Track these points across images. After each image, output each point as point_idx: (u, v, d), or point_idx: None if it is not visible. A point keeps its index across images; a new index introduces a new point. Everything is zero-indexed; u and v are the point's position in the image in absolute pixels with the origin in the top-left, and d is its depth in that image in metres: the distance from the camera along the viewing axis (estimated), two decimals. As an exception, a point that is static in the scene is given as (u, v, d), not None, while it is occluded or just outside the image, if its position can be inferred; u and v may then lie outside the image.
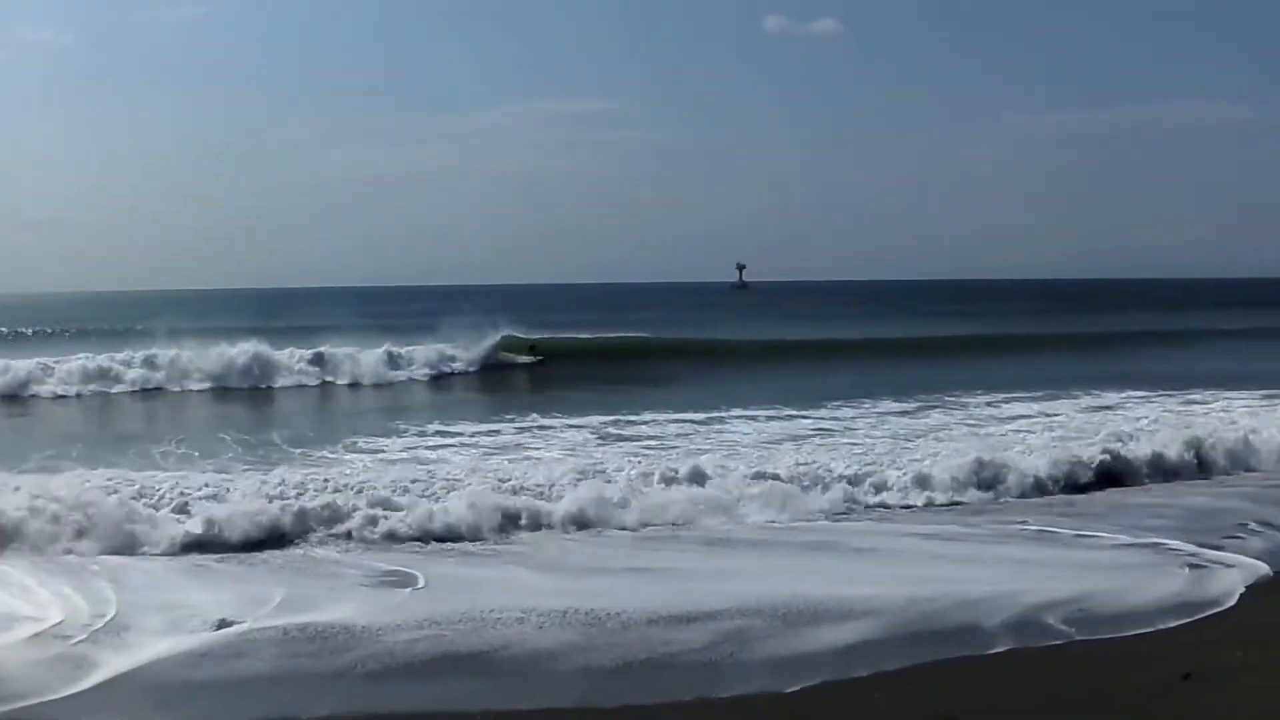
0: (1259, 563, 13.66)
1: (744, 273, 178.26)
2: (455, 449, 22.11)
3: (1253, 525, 15.70)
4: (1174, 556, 14.18)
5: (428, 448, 22.25)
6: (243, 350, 37.53)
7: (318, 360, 38.55)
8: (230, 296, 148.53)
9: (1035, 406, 27.81)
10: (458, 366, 40.82)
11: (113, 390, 35.70)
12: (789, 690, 9.75)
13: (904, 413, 27.25)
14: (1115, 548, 14.78)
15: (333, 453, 21.22)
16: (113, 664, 10.31)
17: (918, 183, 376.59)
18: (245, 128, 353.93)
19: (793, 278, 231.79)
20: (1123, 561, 14.09)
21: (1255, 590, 12.64)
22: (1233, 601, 12.24)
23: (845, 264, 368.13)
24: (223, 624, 11.42)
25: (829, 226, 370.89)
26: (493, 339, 42.65)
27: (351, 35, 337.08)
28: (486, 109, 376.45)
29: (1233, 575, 13.17)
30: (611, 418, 25.70)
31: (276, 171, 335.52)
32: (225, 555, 14.43)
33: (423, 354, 40.77)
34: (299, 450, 21.31)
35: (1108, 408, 27.64)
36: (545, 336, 46.93)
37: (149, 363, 37.05)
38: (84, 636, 11.06)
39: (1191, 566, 13.64)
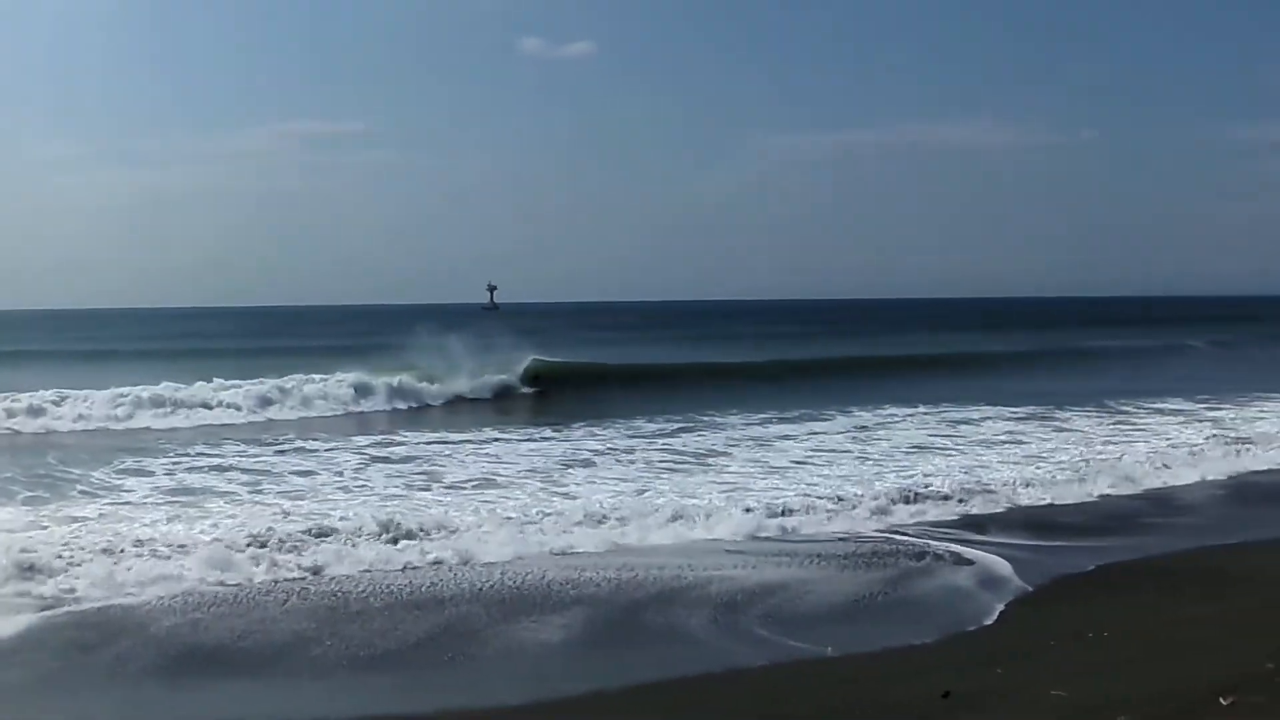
0: (1015, 578, 14.03)
1: (495, 294, 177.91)
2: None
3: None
4: (933, 573, 14.56)
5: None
6: None
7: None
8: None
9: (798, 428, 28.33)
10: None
11: None
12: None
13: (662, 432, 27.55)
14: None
15: None
16: None
17: (671, 204, 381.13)
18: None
19: (547, 299, 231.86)
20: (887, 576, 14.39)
21: (1014, 608, 12.93)
22: (991, 619, 12.51)
23: (600, 285, 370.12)
24: None
25: (584, 248, 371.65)
26: None
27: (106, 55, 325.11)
28: (237, 130, 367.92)
29: (993, 593, 13.52)
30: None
31: (34, 192, 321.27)
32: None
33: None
34: None
35: (865, 427, 28.44)
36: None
37: None
38: None
39: (957, 580, 14.09)
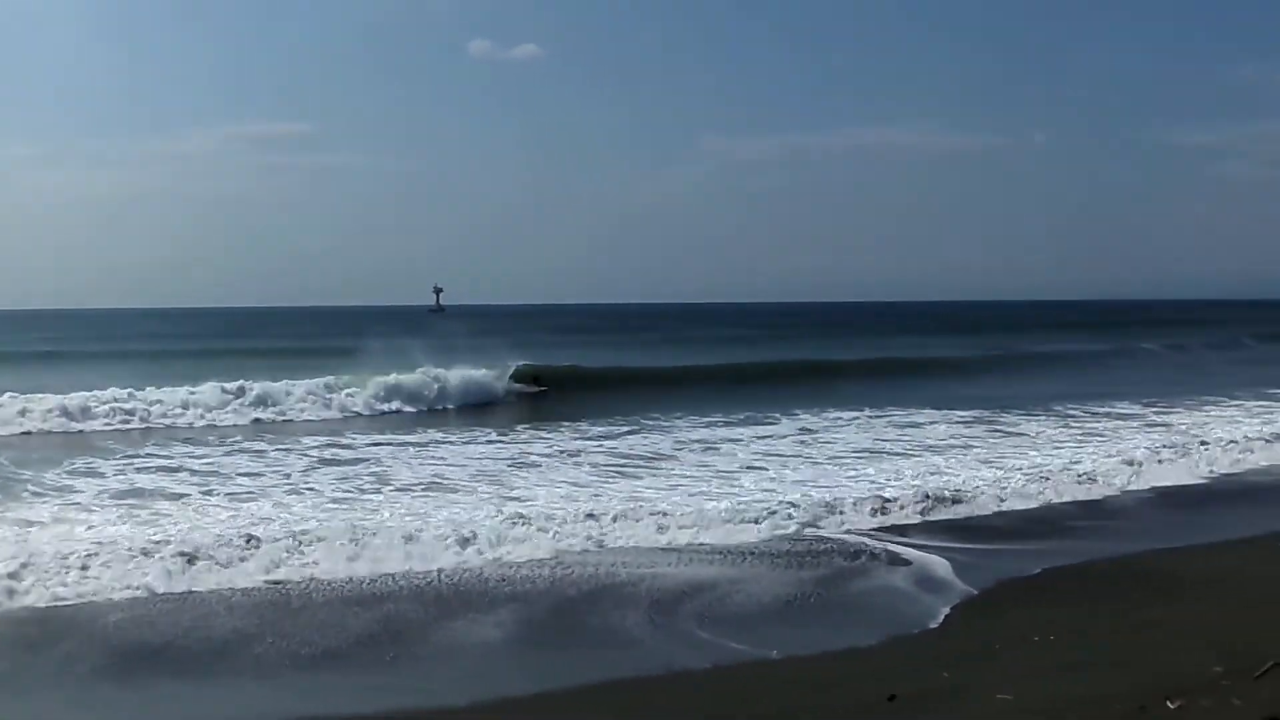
0: (959, 582, 14.00)
1: (441, 296, 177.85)
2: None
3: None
4: (877, 576, 14.53)
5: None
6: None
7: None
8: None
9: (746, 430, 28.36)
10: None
11: None
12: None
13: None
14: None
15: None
16: None
17: (619, 206, 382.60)
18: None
19: (493, 301, 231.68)
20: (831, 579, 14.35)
21: (959, 611, 12.88)
22: (937, 622, 12.46)
23: (548, 288, 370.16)
24: None
25: (532, 250, 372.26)
26: None
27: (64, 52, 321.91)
28: (186, 132, 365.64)
29: (937, 595, 13.48)
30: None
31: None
32: None
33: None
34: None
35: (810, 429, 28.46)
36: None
37: None
38: None
39: (901, 583, 14.05)
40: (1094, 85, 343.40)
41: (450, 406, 37.04)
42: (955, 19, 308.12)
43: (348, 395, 35.66)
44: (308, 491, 19.91)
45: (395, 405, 36.15)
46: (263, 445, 25.88)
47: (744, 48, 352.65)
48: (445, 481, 20.97)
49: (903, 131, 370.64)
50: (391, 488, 20.23)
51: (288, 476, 21.56)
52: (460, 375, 38.69)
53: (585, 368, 46.45)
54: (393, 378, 37.23)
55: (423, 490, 20.04)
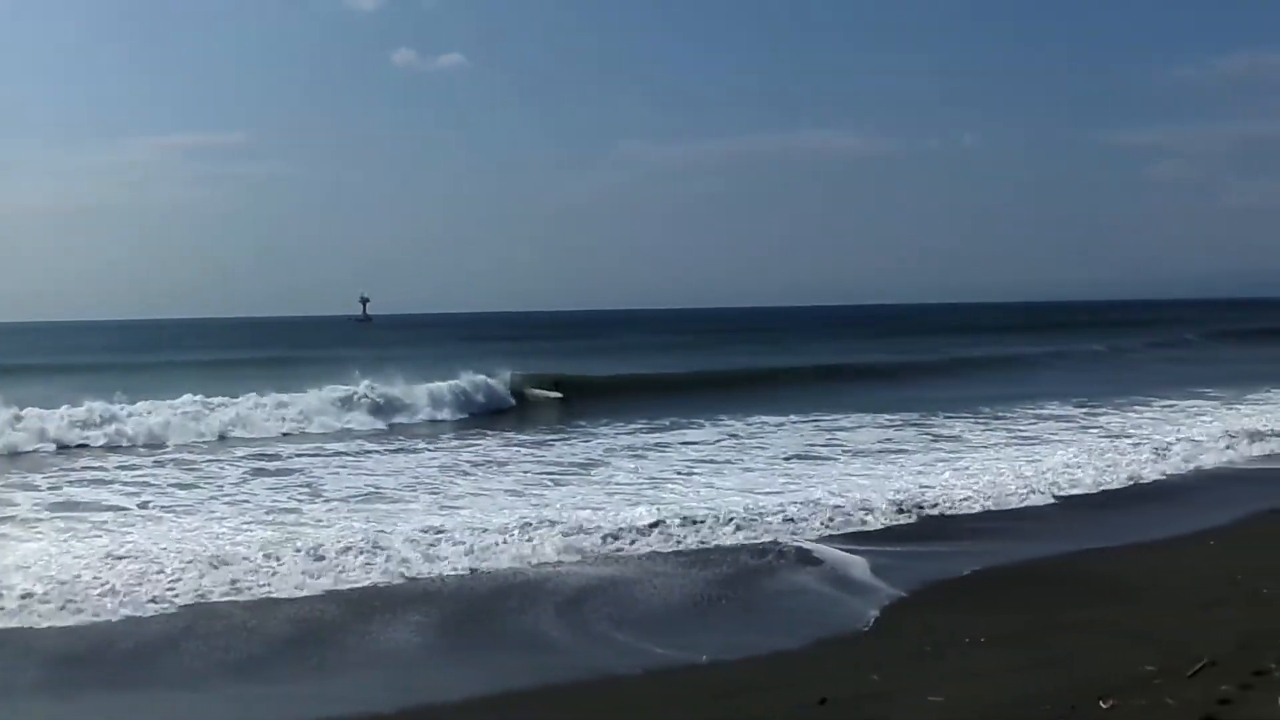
0: (888, 585, 13.86)
1: (367, 305, 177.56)
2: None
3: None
4: (807, 579, 14.41)
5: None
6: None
7: None
8: None
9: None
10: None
11: None
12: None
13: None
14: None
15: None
16: None
17: (543, 213, 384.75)
18: None
19: (421, 310, 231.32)
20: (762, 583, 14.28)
21: (890, 613, 12.76)
22: (868, 625, 12.34)
23: (475, 296, 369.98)
24: None
25: (459, 259, 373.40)
26: None
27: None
28: (110, 143, 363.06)
29: (866, 598, 13.36)
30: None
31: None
32: None
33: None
34: None
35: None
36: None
37: None
38: None
39: (829, 586, 13.95)
40: (1024, 87, 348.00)
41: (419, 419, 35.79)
42: (884, 21, 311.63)
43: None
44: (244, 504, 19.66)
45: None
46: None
47: (667, 53, 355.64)
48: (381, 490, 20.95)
49: (828, 134, 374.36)
50: (316, 502, 19.88)
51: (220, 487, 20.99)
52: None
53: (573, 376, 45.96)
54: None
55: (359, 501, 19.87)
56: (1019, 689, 9.58)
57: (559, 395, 40.53)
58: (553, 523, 16.86)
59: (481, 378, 39.18)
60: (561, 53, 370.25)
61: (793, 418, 31.74)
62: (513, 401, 39.21)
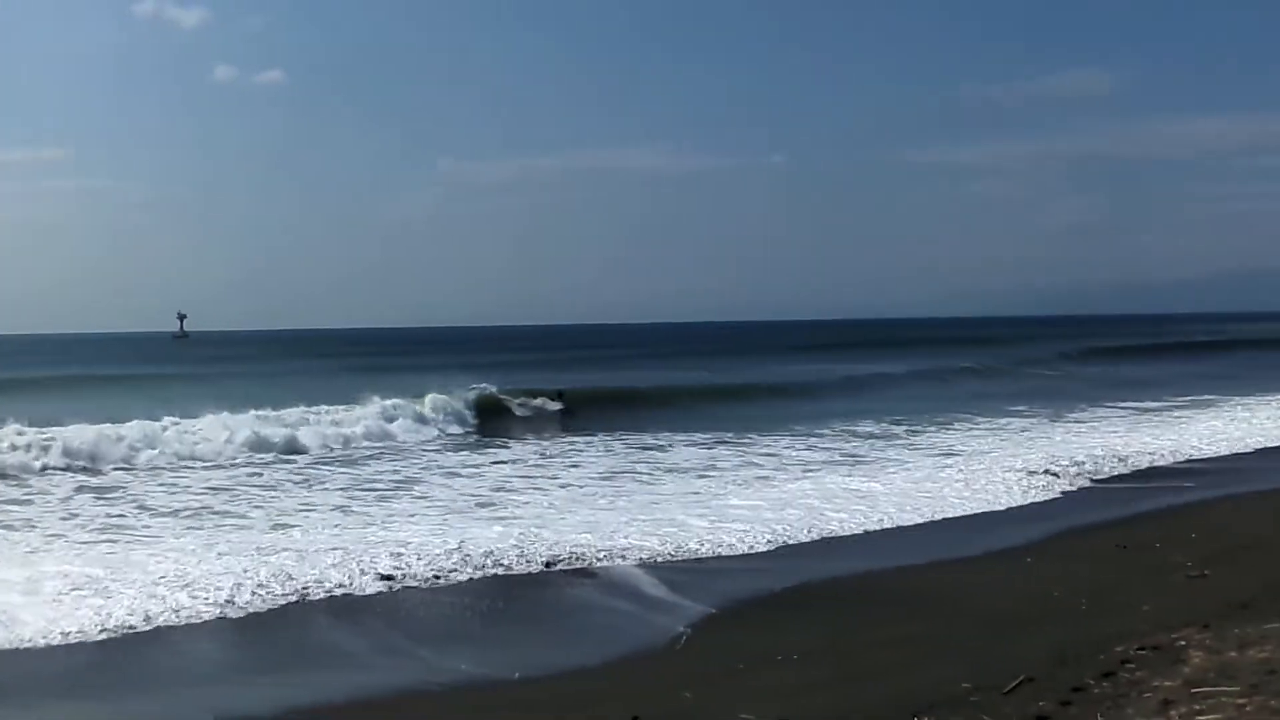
0: (696, 603, 13.51)
1: (185, 322, 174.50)
2: None
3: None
4: (616, 598, 14.07)
5: None
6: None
7: None
8: None
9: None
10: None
11: None
12: None
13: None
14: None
15: None
16: None
17: (362, 229, 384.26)
18: None
19: (241, 327, 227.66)
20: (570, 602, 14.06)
21: (700, 631, 12.50)
22: (678, 643, 12.05)
23: (296, 313, 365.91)
24: None
25: (276, 276, 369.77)
26: None
27: None
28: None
29: (674, 616, 13.06)
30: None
31: None
32: None
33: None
34: None
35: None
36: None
37: None
38: None
39: (640, 607, 13.60)
40: (833, 108, 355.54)
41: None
42: (693, 42, 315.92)
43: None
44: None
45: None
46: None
47: (483, 71, 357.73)
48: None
49: (639, 153, 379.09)
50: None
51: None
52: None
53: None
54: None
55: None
56: (831, 705, 9.44)
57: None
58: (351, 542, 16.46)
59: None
60: (379, 70, 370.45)
61: (600, 435, 31.68)
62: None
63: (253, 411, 31.47)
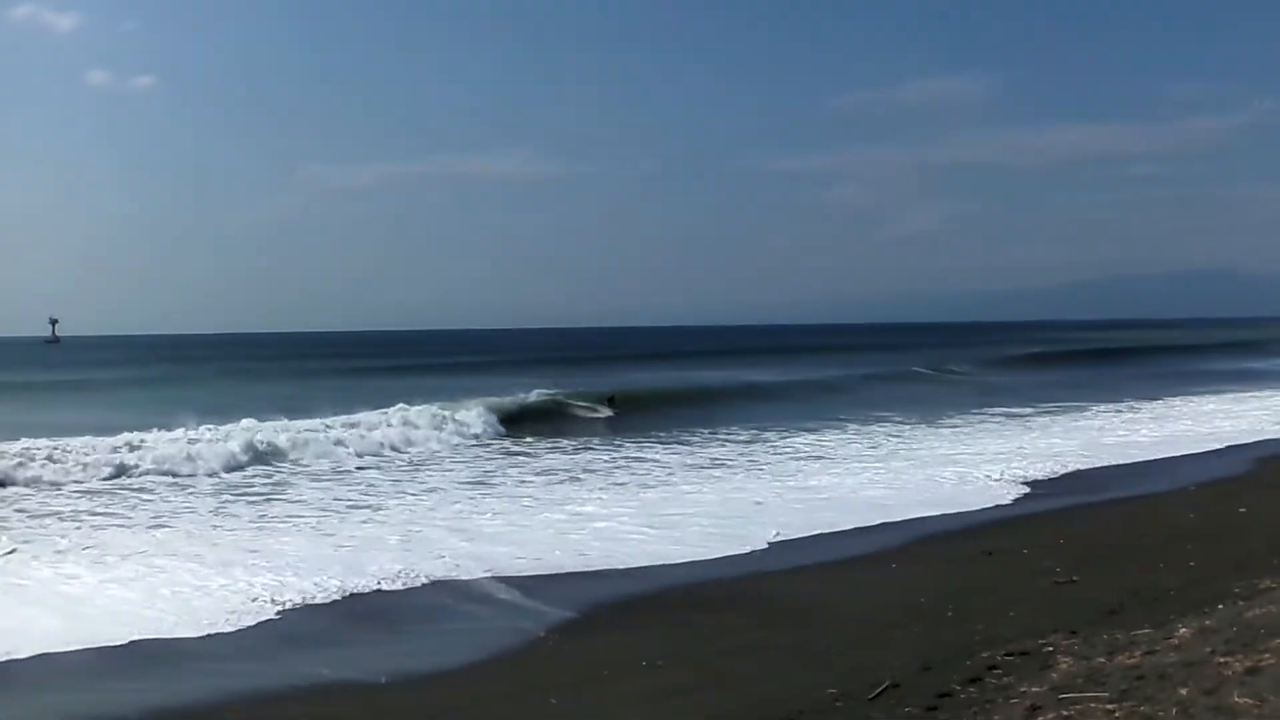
0: (557, 609, 13.21)
1: (56, 327, 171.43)
2: None
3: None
4: (477, 606, 13.74)
5: None
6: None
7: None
8: None
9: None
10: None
11: None
12: None
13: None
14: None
15: None
16: None
17: (231, 233, 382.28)
18: None
19: (114, 332, 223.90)
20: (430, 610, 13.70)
21: (563, 638, 12.22)
22: (542, 649, 11.79)
23: (170, 317, 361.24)
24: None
25: (148, 280, 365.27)
26: None
27: None
28: None
29: (539, 622, 12.74)
30: None
31: None
32: None
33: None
34: None
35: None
36: None
37: None
38: None
39: (503, 616, 13.25)
40: (699, 116, 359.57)
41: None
42: (558, 50, 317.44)
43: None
44: None
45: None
46: None
47: (346, 77, 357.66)
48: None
49: (499, 160, 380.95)
50: None
51: None
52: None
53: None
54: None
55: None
56: (696, 712, 9.33)
57: None
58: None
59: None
60: (248, 76, 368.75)
61: (470, 440, 31.55)
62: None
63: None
